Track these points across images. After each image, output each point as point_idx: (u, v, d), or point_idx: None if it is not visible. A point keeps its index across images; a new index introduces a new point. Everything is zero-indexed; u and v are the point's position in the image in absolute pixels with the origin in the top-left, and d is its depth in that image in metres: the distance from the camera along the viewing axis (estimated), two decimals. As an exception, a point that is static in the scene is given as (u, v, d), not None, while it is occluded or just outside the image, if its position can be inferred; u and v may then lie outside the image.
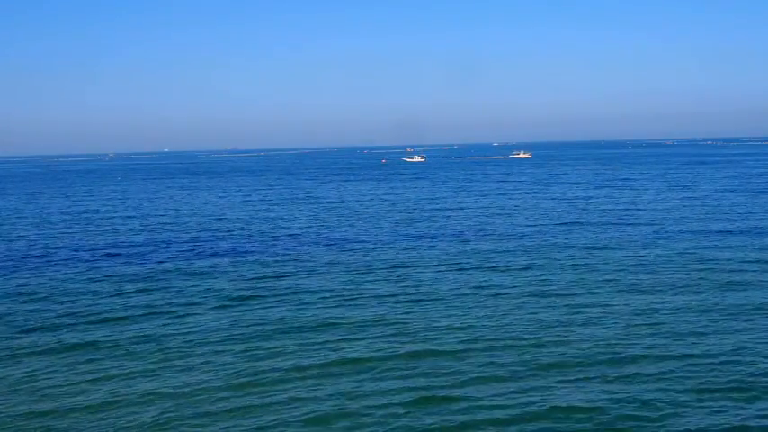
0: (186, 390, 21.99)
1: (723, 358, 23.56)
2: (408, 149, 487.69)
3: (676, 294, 32.48)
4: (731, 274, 36.11)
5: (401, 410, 20.10)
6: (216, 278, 38.61)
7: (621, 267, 38.82)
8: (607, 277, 36.45)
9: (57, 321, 30.31)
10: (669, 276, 36.28)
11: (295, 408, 20.48)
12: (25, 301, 34.04)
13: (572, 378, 22.23)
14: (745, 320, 27.88)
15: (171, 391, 21.94)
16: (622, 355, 24.17)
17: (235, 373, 23.43)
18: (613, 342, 25.52)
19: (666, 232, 51.93)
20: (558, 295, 32.79)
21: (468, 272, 38.95)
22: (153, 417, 20.04)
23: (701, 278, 35.49)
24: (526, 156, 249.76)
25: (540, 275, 37.31)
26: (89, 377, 23.42)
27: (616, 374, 22.38)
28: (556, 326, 27.81)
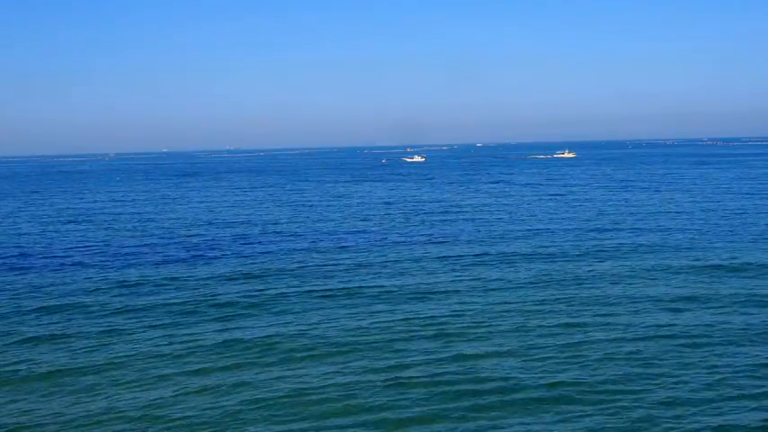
0: (182, 390, 21.87)
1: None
2: (408, 149, 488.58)
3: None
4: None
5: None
6: (215, 277, 38.40)
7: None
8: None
9: (44, 318, 30.18)
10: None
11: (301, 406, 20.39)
12: (21, 300, 33.90)
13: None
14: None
15: (169, 393, 21.80)
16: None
17: (229, 370, 23.33)
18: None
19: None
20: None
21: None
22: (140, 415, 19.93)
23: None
24: (571, 155, 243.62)
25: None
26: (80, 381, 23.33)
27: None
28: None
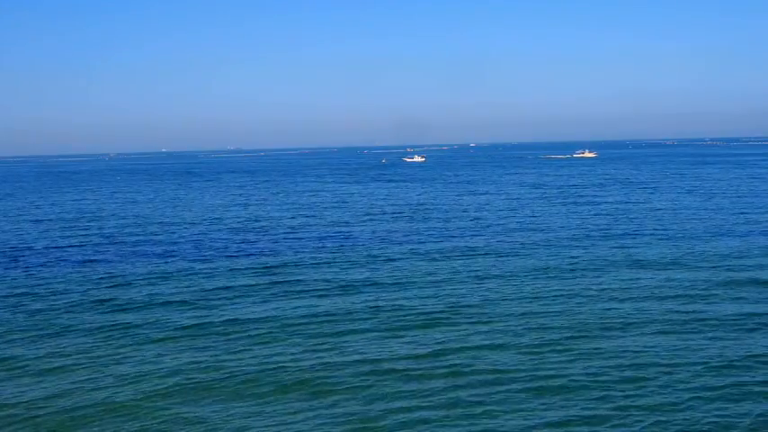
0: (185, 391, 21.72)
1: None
2: (409, 149, 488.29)
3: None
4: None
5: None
6: (216, 277, 38.22)
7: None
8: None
9: (41, 324, 29.90)
10: None
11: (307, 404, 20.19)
12: (20, 300, 33.64)
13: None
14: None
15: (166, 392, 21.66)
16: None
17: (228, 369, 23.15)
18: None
19: None
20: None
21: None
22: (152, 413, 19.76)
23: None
24: (591, 155, 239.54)
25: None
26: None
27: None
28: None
